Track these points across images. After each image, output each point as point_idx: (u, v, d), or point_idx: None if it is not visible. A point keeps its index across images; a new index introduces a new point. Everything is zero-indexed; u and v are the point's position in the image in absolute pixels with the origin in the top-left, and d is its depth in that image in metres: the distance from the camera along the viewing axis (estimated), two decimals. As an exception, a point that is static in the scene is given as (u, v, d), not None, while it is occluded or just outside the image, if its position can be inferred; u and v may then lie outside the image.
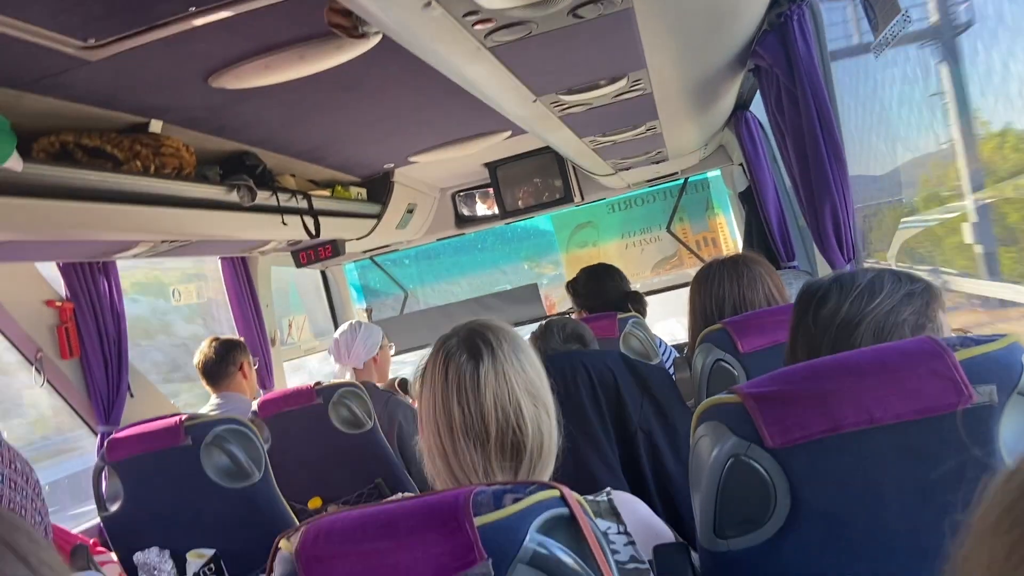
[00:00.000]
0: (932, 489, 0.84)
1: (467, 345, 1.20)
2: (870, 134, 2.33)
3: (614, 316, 2.55)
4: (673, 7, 1.52)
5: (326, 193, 3.29)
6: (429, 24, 1.19)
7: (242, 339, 3.19)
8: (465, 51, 1.38)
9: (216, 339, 3.13)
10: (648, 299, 3.26)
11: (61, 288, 3.06)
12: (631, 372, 1.73)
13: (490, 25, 1.25)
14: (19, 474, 0.97)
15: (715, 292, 1.94)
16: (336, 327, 4.38)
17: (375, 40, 1.83)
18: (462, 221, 4.64)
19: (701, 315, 1.97)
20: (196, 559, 2.08)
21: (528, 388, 1.18)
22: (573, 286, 3.10)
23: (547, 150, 4.08)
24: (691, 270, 5.45)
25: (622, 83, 1.87)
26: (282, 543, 0.97)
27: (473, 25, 1.23)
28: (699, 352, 1.79)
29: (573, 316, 2.95)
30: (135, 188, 2.14)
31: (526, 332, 2.25)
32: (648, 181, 4.58)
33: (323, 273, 5.01)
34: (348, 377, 3.15)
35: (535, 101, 1.85)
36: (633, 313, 2.69)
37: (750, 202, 3.86)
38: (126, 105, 2.04)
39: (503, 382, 1.17)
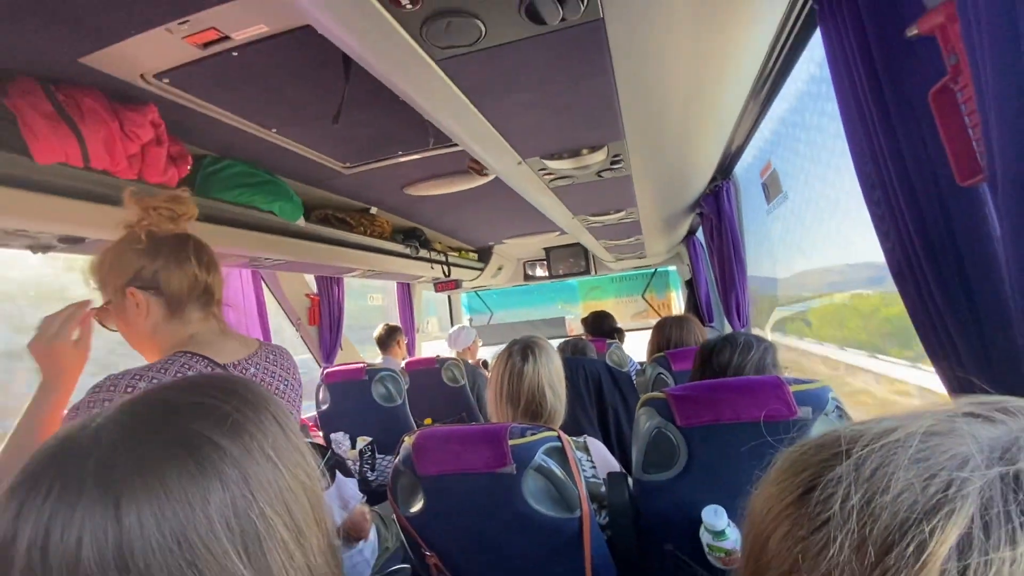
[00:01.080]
0: (764, 456, 0.82)
1: (521, 349, 1.20)
2: (761, 254, 2.26)
3: (604, 340, 2.53)
4: (655, 179, 1.53)
5: (455, 254, 3.36)
6: (520, 171, 1.24)
7: (400, 327, 3.26)
8: (539, 189, 1.41)
9: (387, 325, 3.20)
10: (627, 334, 3.23)
11: (314, 287, 3.22)
12: (610, 374, 1.73)
13: (550, 176, 1.28)
14: (294, 379, 0.95)
15: (665, 334, 1.93)
16: (451, 327, 4.43)
17: (491, 177, 1.90)
18: (527, 277, 4.63)
19: (655, 346, 1.96)
20: (362, 442, 2.13)
21: (550, 382, 1.17)
22: (584, 321, 3.11)
23: (579, 244, 4.09)
24: (652, 320, 5.33)
25: (621, 213, 1.89)
26: (406, 438, 1.00)
27: (542, 175, 1.27)
28: (650, 367, 1.76)
29: (583, 337, 2.96)
30: (359, 242, 2.25)
31: (556, 342, 2.25)
32: (634, 267, 4.52)
33: (448, 297, 5.08)
34: (454, 355, 3.19)
35: (573, 218, 1.89)
36: (615, 340, 2.66)
37: (691, 287, 3.76)
38: (360, 197, 2.15)
39: (535, 375, 1.16)
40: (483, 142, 1.02)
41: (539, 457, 0.89)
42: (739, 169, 1.89)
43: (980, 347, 0.55)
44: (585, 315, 3.24)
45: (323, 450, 0.95)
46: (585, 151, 1.13)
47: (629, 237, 2.60)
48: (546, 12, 0.61)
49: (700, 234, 3.29)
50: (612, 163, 1.22)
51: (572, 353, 1.97)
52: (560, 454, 0.91)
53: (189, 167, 1.26)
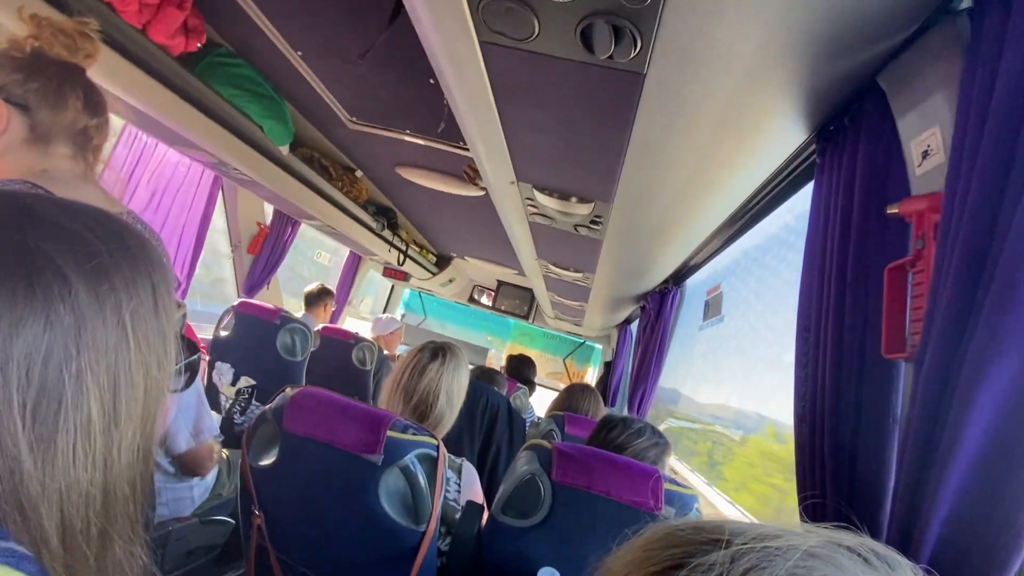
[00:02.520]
0: (617, 536, 0.81)
1: (433, 349, 1.18)
2: (676, 360, 2.35)
3: (516, 383, 2.51)
4: (621, 257, 1.56)
5: (417, 249, 3.29)
6: (508, 193, 1.23)
7: (334, 293, 3.10)
8: (518, 217, 1.41)
9: (322, 285, 3.03)
10: (538, 388, 3.23)
11: (268, 219, 3.01)
12: (509, 413, 1.70)
13: (534, 210, 1.28)
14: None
15: (571, 399, 1.93)
16: (382, 313, 4.26)
17: (480, 193, 1.89)
18: (472, 300, 4.60)
19: (557, 405, 1.96)
20: (245, 381, 1.94)
21: (448, 389, 1.14)
22: (510, 358, 3.10)
23: (527, 290, 4.12)
24: (563, 384, 5.39)
25: (580, 275, 1.92)
26: (288, 388, 0.91)
27: (527, 205, 1.26)
28: (544, 421, 1.74)
29: (500, 370, 2.93)
30: (332, 195, 2.15)
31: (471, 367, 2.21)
32: (567, 331, 4.60)
33: (392, 285, 4.93)
34: (372, 338, 3.06)
35: (535, 260, 1.89)
36: (525, 388, 2.64)
37: (607, 369, 3.85)
38: (352, 156, 2.07)
39: (435, 377, 1.13)
40: (488, 146, 0.99)
41: (410, 459, 0.82)
42: (690, 281, 1.98)
43: (849, 491, 0.57)
44: (510, 353, 3.22)
45: (192, 347, 0.83)
46: (574, 199, 1.13)
47: (576, 300, 2.64)
48: (599, 42, 0.60)
49: (635, 326, 3.41)
50: (592, 222, 1.23)
51: (483, 378, 1.97)
52: (431, 464, 0.85)
53: (199, 45, 1.15)
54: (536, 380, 3.25)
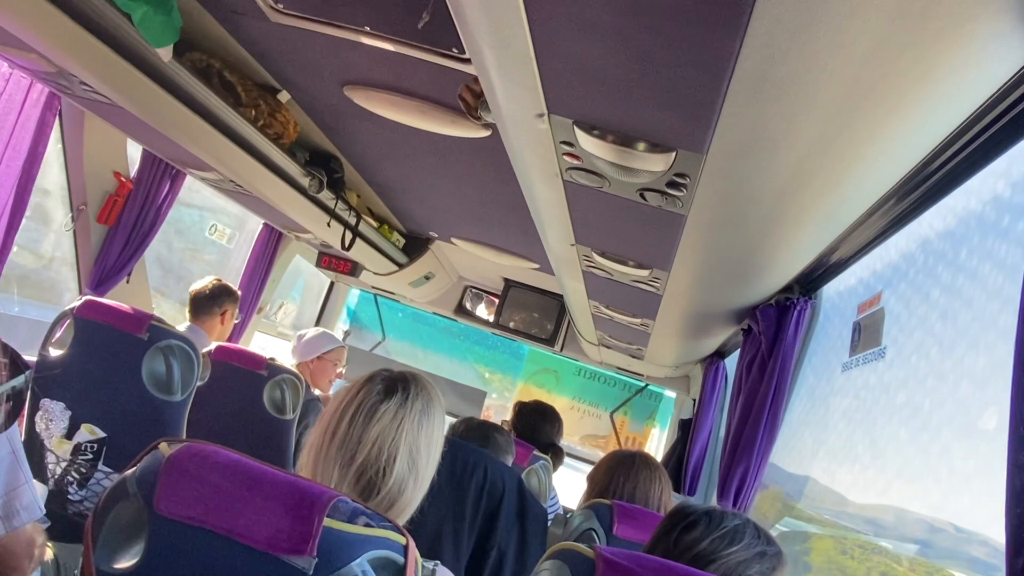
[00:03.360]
0: None
1: (389, 381, 1.19)
2: (806, 426, 2.34)
3: (532, 450, 2.50)
4: (714, 231, 1.56)
5: (374, 223, 3.32)
6: (532, 133, 1.23)
7: (237, 293, 3.14)
8: (545, 172, 1.41)
9: (219, 280, 3.07)
10: (566, 458, 3.25)
11: (132, 169, 3.05)
12: (519, 497, 1.69)
13: (574, 161, 1.28)
14: None
15: (615, 476, 1.92)
16: (311, 328, 4.31)
17: (483, 133, 1.90)
18: (461, 311, 4.63)
19: (596, 488, 1.94)
20: (88, 432, 1.96)
21: (413, 446, 1.15)
22: (521, 407, 3.11)
23: (556, 297, 4.13)
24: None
25: (645, 273, 1.92)
26: (163, 444, 0.91)
27: (563, 154, 1.26)
28: (579, 515, 1.74)
29: (504, 426, 2.94)
30: (238, 128, 2.17)
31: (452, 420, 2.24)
32: (618, 367, 4.59)
33: (331, 284, 4.97)
34: (294, 366, 3.10)
35: (573, 245, 1.89)
36: (547, 458, 2.64)
37: (685, 433, 3.84)
38: (273, 67, 2.10)
39: (394, 427, 1.14)
40: (505, 54, 0.98)
41: (360, 567, 0.82)
42: (829, 288, 1.95)
43: None
44: (521, 401, 3.23)
45: (15, 364, 0.85)
46: (641, 146, 1.13)
47: (634, 315, 2.65)
48: None
49: (732, 361, 3.39)
50: (670, 184, 1.22)
51: (474, 437, 2.00)
52: (395, 576, 0.84)
53: None
54: (564, 446, 3.25)
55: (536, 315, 4.28)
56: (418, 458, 1.15)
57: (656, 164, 1.18)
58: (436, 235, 3.65)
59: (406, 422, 1.15)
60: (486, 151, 2.08)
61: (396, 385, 1.18)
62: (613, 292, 2.38)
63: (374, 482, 1.11)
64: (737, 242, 1.56)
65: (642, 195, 1.35)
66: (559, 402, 5.43)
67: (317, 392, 3.11)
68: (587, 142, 1.17)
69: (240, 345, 3.96)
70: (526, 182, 1.64)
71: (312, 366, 3.16)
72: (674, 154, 1.13)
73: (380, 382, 1.18)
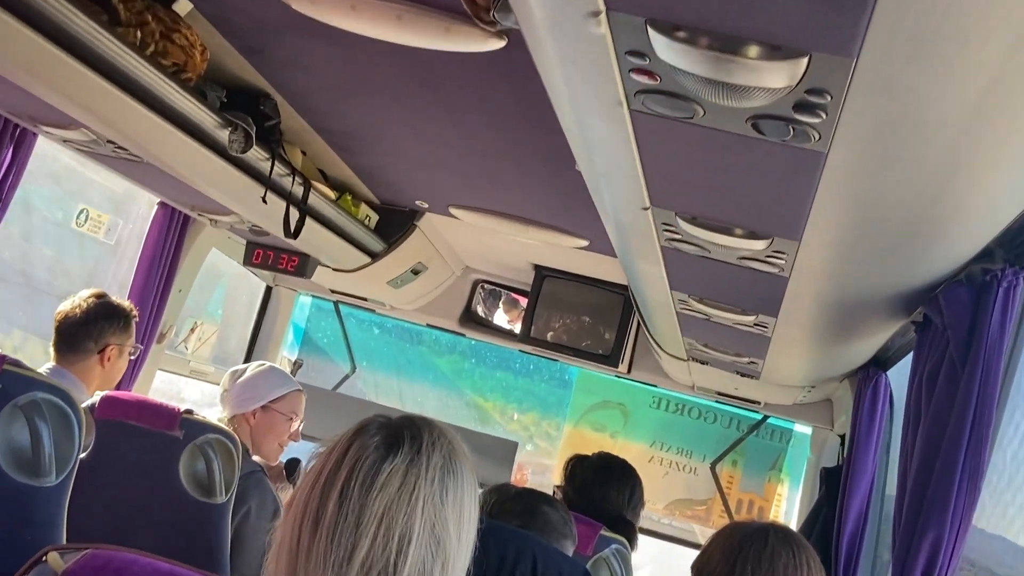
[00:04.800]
0: None
1: (390, 431, 1.23)
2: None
3: (597, 528, 2.52)
4: (867, 188, 1.56)
5: (330, 194, 3.34)
6: (581, 40, 1.23)
7: (135, 312, 3.17)
8: (601, 99, 1.41)
9: (102, 296, 3.10)
10: (643, 536, 3.25)
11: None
12: (588, 602, 1.71)
13: (647, 81, 1.28)
14: None
15: (747, 560, 1.94)
16: (247, 363, 4.35)
17: (496, 44, 1.90)
18: (470, 320, 4.65)
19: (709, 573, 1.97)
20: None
21: (435, 524, 1.19)
22: (577, 464, 3.11)
23: (617, 290, 4.15)
24: (711, 529, 5.39)
25: (760, 245, 1.92)
26: (51, 556, 0.94)
27: (629, 70, 1.26)
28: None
29: (556, 496, 2.96)
30: (115, 60, 2.19)
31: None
32: (719, 393, 4.59)
33: (269, 290, 5.00)
34: (226, 419, 3.15)
35: (646, 209, 1.89)
36: (622, 540, 2.66)
37: (832, 487, 3.83)
38: (167, -39, 2.12)
39: (406, 496, 1.18)
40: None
41: None
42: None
43: None
44: (575, 457, 3.24)
45: None
46: (753, 50, 1.14)
47: (744, 312, 2.65)
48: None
49: (900, 372, 3.36)
50: (800, 107, 1.24)
51: (513, 514, 2.09)
52: None
53: None
54: (641, 516, 3.26)
55: (587, 319, 4.28)
56: (445, 539, 1.20)
57: (777, 76, 1.17)
58: (426, 205, 3.66)
59: (422, 486, 1.19)
60: (501, 73, 2.08)
61: (401, 435, 1.22)
62: (710, 277, 2.38)
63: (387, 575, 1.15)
64: (904, 188, 1.55)
65: (755, 126, 1.35)
66: (629, 452, 5.43)
67: (258, 459, 3.14)
68: (667, 50, 1.17)
69: (136, 393, 4.01)
70: (570, 116, 1.64)
71: (254, 421, 3.19)
72: (807, 59, 1.13)
73: (377, 433, 1.22)
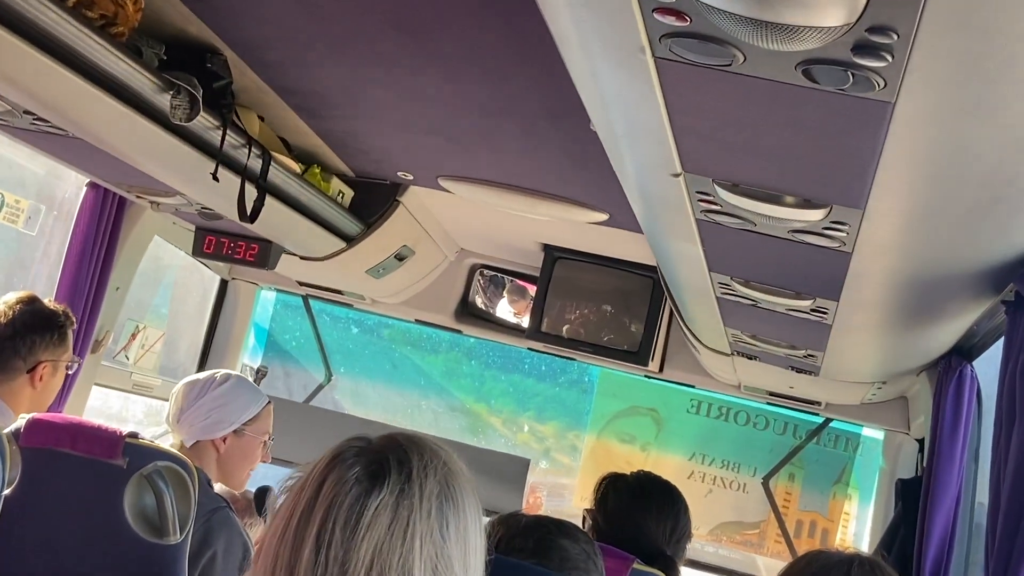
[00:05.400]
0: None
1: (370, 458, 1.24)
2: None
3: (629, 561, 2.52)
4: (943, 140, 1.56)
5: (295, 167, 3.34)
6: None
7: (72, 319, 3.18)
8: (621, 44, 1.41)
9: (32, 301, 3.09)
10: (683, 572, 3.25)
11: None
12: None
13: (675, 22, 1.28)
14: None
15: None
16: (201, 370, 4.35)
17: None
18: (468, 313, 4.65)
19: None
20: None
21: (436, 566, 1.20)
22: (607, 487, 3.12)
23: (644, 271, 4.15)
24: (770, 562, 5.40)
25: (816, 216, 1.91)
26: None
27: (652, 10, 1.26)
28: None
29: (585, 525, 2.97)
30: (30, 14, 2.18)
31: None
32: (771, 394, 4.60)
33: (224, 284, 5.00)
34: (176, 442, 3.17)
35: (677, 175, 1.89)
36: (658, 573, 2.67)
37: (911, 501, 3.83)
38: None
39: (400, 534, 1.19)
40: None
41: None
42: None
43: None
44: (616, 474, 3.24)
45: None
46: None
47: (798, 295, 2.65)
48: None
49: (988, 362, 3.36)
50: (866, 48, 1.25)
51: (524, 549, 2.11)
52: None
53: None
54: (686, 545, 3.26)
55: (609, 309, 4.28)
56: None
57: (833, 11, 1.17)
58: (411, 177, 3.67)
59: (417, 521, 1.20)
60: (498, 15, 2.09)
61: (386, 462, 1.23)
62: (757, 256, 2.39)
63: None
64: (987, 142, 1.55)
65: (806, 73, 1.35)
66: (665, 467, 5.44)
67: (221, 489, 3.15)
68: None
69: (68, 414, 4.01)
70: (583, 66, 1.64)
71: (225, 448, 3.20)
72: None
73: (356, 461, 1.23)
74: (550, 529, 2.19)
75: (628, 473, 3.25)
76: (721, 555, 5.34)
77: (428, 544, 1.18)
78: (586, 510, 3.25)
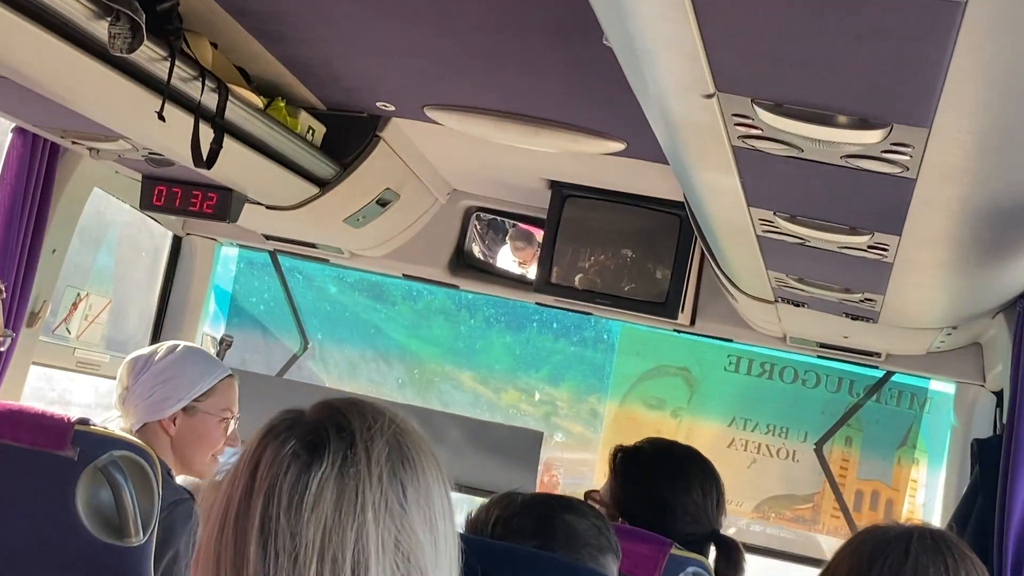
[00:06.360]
0: None
1: (306, 428, 1.25)
2: None
3: (666, 546, 2.54)
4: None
5: (257, 100, 3.33)
6: None
7: (1, 288, 3.18)
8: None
9: None
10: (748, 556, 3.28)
11: None
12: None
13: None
14: None
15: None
16: (155, 342, 4.37)
17: None
18: (465, 265, 4.66)
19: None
20: None
21: (398, 537, 1.22)
22: (622, 459, 3.13)
23: (670, 208, 4.16)
24: (827, 540, 5.43)
25: (875, 137, 1.91)
26: None
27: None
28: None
29: (595, 501, 2.99)
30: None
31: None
32: (822, 346, 4.61)
33: (178, 241, 5.00)
34: (128, 426, 3.21)
35: (711, 96, 1.88)
36: (700, 558, 2.69)
37: (989, 464, 3.85)
38: None
39: (350, 509, 1.20)
40: None
41: None
42: None
43: None
44: (617, 448, 3.25)
45: None
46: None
47: (854, 231, 2.65)
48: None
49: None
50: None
51: (523, 530, 2.14)
52: None
53: None
54: (736, 526, 3.28)
55: (629, 254, 4.29)
56: (416, 551, 1.22)
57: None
58: (392, 108, 3.66)
59: (367, 490, 1.21)
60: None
61: (323, 429, 1.24)
62: (804, 186, 2.39)
63: None
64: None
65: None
66: (701, 436, 5.46)
67: (184, 480, 3.16)
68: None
69: (5, 400, 4.02)
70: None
71: (175, 430, 3.21)
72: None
73: (288, 434, 1.24)
74: (552, 505, 2.20)
75: (638, 443, 3.27)
76: (769, 534, 5.36)
77: (384, 516, 1.19)
78: (589, 493, 3.26)
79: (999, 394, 3.99)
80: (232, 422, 3.32)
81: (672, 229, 4.19)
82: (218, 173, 3.38)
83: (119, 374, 3.27)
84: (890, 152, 1.94)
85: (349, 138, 3.79)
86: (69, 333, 4.68)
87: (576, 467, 5.97)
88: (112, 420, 3.28)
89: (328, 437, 1.22)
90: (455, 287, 4.82)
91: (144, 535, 2.67)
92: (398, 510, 1.21)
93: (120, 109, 2.98)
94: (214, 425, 3.24)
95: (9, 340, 3.37)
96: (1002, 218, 2.52)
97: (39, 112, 3.43)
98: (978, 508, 3.88)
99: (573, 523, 2.14)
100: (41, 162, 4.02)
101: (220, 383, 3.28)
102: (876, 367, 4.74)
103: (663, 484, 3.10)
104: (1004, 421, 3.77)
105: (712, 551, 3.07)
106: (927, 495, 5.32)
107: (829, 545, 4.72)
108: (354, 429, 1.24)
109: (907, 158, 1.96)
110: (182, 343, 3.40)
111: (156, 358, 3.24)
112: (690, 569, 2.56)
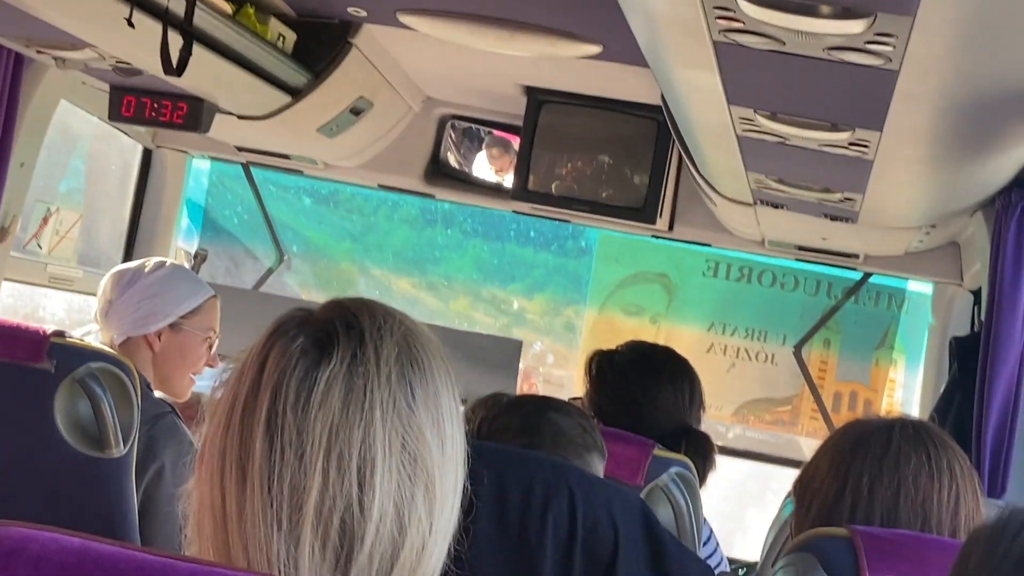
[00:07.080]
0: None
1: (315, 326, 1.25)
2: None
3: (648, 447, 2.55)
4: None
5: (225, 6, 3.29)
6: None
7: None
8: None
9: None
10: (722, 458, 3.30)
11: None
12: (651, 546, 1.75)
13: None
14: None
15: (864, 467, 1.97)
16: (128, 259, 4.33)
17: None
18: (440, 173, 4.64)
19: (819, 501, 2.02)
20: None
21: (405, 438, 1.21)
22: (603, 360, 3.15)
23: (648, 112, 4.14)
24: (805, 440, 5.47)
25: (858, 27, 1.91)
26: None
27: None
28: (785, 567, 1.80)
29: (578, 401, 3.01)
30: None
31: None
32: (800, 248, 4.63)
33: (148, 154, 4.97)
34: (107, 339, 3.21)
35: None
36: (682, 458, 2.70)
37: (968, 361, 3.88)
38: None
39: (357, 407, 1.19)
40: None
41: None
42: None
43: None
44: (595, 353, 3.27)
45: None
46: None
47: (835, 126, 2.64)
48: None
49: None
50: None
51: (511, 430, 2.15)
52: None
53: None
54: (716, 427, 3.30)
55: (607, 159, 4.28)
56: (423, 453, 1.21)
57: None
58: (364, 13, 3.63)
59: (376, 389, 1.20)
60: None
61: (333, 328, 1.23)
62: (786, 81, 2.39)
63: (348, 525, 1.16)
64: None
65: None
66: (680, 340, 5.48)
67: (161, 395, 3.17)
68: None
69: (-21, 314, 4.01)
70: None
71: (159, 345, 3.23)
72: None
73: (299, 332, 1.23)
74: (537, 404, 2.22)
75: (617, 347, 3.29)
76: (748, 437, 5.41)
77: (391, 415, 1.19)
78: (573, 400, 3.27)
79: (977, 293, 4.01)
80: (215, 342, 3.33)
81: (650, 134, 4.18)
82: (188, 82, 3.36)
83: (102, 287, 3.26)
84: (873, 43, 1.94)
85: (320, 45, 3.76)
86: (40, 248, 4.66)
87: (555, 375, 6.01)
88: (90, 335, 3.28)
89: (337, 335, 1.22)
90: (431, 196, 4.81)
91: (124, 447, 2.67)
92: (406, 410, 1.21)
93: (86, 15, 2.95)
94: (198, 343, 3.25)
95: None
96: (983, 111, 2.52)
97: (2, 20, 3.38)
98: (957, 404, 3.91)
99: (558, 421, 2.16)
100: (5, 73, 3.98)
101: (205, 303, 3.29)
102: (854, 269, 4.77)
103: (634, 383, 3.13)
104: (982, 319, 3.80)
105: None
106: (905, 394, 5.38)
107: (809, 446, 4.75)
108: (364, 328, 1.23)
109: (890, 48, 1.96)
110: (168, 260, 3.39)
111: (144, 272, 3.24)
112: (673, 469, 2.57)
